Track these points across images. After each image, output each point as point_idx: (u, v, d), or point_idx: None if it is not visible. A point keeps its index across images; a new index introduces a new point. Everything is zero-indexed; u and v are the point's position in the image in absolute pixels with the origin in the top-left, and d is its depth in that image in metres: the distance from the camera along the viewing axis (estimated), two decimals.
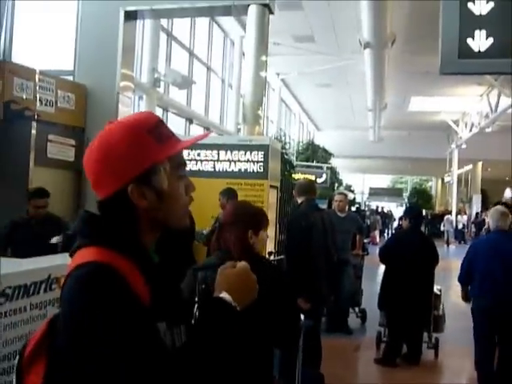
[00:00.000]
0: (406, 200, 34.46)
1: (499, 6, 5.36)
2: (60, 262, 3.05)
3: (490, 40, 4.49)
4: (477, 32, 4.60)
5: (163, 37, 9.65)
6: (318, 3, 10.39)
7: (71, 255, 1.13)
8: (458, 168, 25.94)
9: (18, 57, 7.61)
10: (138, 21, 7.39)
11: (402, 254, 5.34)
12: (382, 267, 5.81)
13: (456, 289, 7.04)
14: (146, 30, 8.91)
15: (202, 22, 11.48)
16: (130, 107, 7.47)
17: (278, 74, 16.59)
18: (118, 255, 1.08)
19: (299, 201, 4.84)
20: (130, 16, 6.97)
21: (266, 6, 6.47)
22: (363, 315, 7.18)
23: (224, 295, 1.13)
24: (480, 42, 4.48)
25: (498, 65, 4.63)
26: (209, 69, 12.19)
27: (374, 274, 9.58)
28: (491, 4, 5.44)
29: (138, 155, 1.13)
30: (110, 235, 1.13)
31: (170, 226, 1.21)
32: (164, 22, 9.60)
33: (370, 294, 6.97)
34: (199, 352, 1.03)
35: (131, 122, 1.19)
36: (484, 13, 5.41)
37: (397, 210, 32.01)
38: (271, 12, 6.65)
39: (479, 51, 4.41)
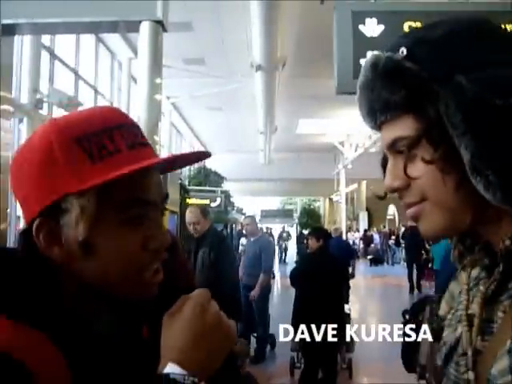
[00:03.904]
0: (297, 220, 35.30)
1: (389, 28, 5.58)
2: None
3: None
4: (369, 53, 4.70)
5: (45, 55, 8.97)
6: (208, 24, 10.27)
7: None
8: (346, 187, 27.05)
9: None
10: (16, 37, 6.77)
11: (313, 275, 5.20)
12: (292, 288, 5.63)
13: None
14: (25, 48, 8.21)
15: (88, 43, 10.89)
16: (11, 133, 6.76)
17: (168, 98, 16.25)
18: (28, 331, 0.66)
19: (206, 226, 4.71)
20: (8, 30, 6.31)
21: (160, 22, 6.12)
22: (272, 341, 6.98)
23: (170, 369, 0.69)
24: None
25: None
26: (96, 91, 11.58)
27: (285, 296, 9.47)
28: (382, 26, 5.65)
29: (46, 177, 0.71)
30: (12, 300, 0.69)
31: (112, 295, 0.75)
32: (46, 40, 8.96)
33: (280, 317, 6.76)
34: None
35: (62, 121, 0.76)
36: (375, 35, 5.60)
37: (288, 229, 32.69)
38: (165, 30, 6.34)
39: None
